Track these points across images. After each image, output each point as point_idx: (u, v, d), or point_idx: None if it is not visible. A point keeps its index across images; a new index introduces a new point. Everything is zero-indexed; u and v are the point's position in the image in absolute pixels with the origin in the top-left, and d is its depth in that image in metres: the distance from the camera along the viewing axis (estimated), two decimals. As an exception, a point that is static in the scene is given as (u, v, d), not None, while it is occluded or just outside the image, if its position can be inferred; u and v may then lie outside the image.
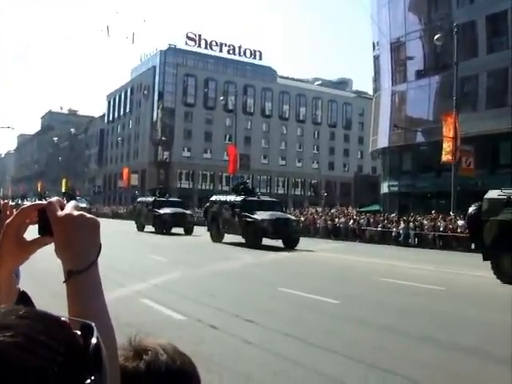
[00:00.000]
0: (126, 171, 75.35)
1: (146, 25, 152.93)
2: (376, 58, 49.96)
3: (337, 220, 37.12)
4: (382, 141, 47.20)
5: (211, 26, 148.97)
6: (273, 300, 10.67)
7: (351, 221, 35.93)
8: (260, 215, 25.24)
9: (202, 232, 31.65)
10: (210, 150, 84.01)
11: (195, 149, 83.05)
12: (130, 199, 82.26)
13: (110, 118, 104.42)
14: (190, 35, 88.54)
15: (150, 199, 35.70)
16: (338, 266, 18.33)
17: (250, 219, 25.36)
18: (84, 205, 51.10)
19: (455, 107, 30.98)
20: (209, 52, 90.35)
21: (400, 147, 45.08)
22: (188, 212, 36.69)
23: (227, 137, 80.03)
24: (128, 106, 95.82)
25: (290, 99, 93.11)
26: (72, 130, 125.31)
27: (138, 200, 37.70)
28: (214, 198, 31.28)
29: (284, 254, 21.97)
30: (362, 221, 35.24)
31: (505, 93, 37.66)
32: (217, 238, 27.92)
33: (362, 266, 18.55)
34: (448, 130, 31.31)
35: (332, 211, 42.81)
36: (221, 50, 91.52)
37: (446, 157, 31.57)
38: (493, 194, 15.11)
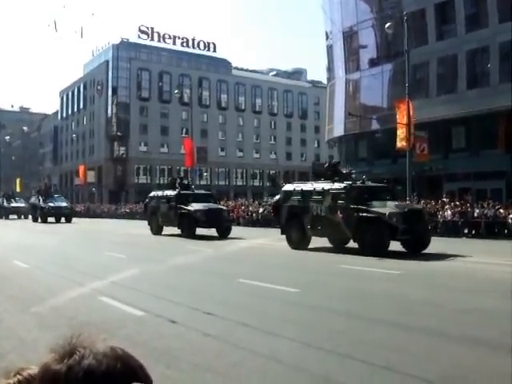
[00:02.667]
0: (82, 168, 74.05)
1: (95, 19, 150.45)
2: (329, 48, 50.26)
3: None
4: (338, 129, 47.62)
5: (164, 18, 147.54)
6: (232, 292, 10.68)
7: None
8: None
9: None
10: (167, 144, 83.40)
11: (152, 143, 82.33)
12: (87, 196, 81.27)
13: (64, 115, 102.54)
14: (142, 28, 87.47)
15: (171, 193, 28.95)
16: (297, 255, 18.43)
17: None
18: (64, 204, 49.40)
19: (408, 94, 31.40)
20: (162, 45, 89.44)
21: (355, 135, 45.58)
22: (225, 208, 31.22)
23: (184, 130, 79.51)
24: (82, 102, 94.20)
25: (246, 91, 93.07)
26: (24, 128, 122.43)
27: (152, 195, 31.03)
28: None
29: (241, 246, 22.04)
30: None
31: (455, 79, 38.42)
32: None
33: (321, 253, 18.69)
34: (402, 117, 31.71)
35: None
36: (174, 43, 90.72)
37: (400, 143, 31.97)
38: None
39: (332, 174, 21.10)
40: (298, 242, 19.83)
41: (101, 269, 14.15)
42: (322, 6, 50.63)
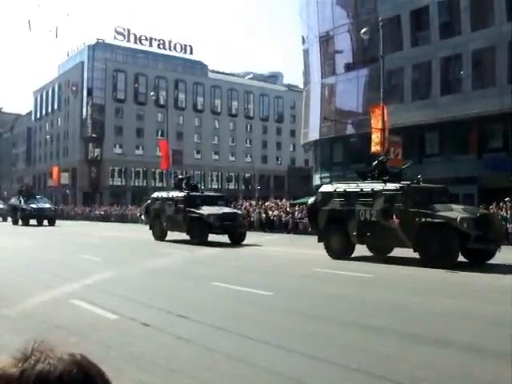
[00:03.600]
0: (55, 170, 73.15)
1: (71, 19, 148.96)
2: (305, 52, 50.51)
3: (270, 213, 37.44)
4: (313, 133, 47.85)
5: (140, 20, 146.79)
6: (206, 295, 10.66)
7: (284, 213, 36.34)
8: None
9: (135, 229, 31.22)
10: (142, 147, 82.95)
11: (127, 145, 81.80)
12: (61, 198, 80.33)
13: (38, 116, 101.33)
14: (118, 30, 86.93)
15: (178, 194, 26.00)
16: (271, 259, 18.48)
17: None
18: (48, 205, 46.49)
19: (382, 99, 31.70)
20: (138, 47, 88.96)
21: (331, 139, 45.85)
22: (240, 212, 28.89)
23: (159, 132, 79.21)
24: (56, 103, 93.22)
25: (222, 93, 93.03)
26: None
27: (156, 196, 28.19)
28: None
29: (217, 249, 21.97)
30: (295, 213, 35.67)
31: (429, 85, 38.91)
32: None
33: (295, 257, 18.77)
34: (376, 122, 31.99)
35: (266, 204, 43.08)
36: (151, 45, 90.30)
37: (375, 148, 32.24)
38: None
39: (380, 173, 18.26)
40: (340, 251, 17.42)
41: (72, 272, 14.02)
42: (299, 10, 50.91)
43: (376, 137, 31.65)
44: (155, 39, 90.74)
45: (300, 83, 65.35)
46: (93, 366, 0.91)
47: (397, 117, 34.71)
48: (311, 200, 20.24)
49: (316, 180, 48.36)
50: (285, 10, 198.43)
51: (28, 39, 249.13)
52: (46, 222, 43.80)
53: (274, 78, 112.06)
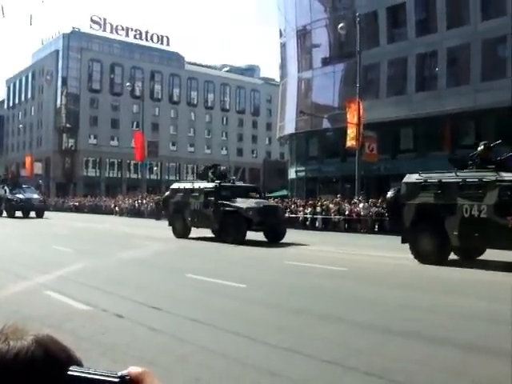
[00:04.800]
0: (28, 160, 72.26)
1: (45, 6, 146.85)
2: (283, 45, 50.60)
3: (246, 206, 37.44)
4: (289, 127, 48.00)
5: (117, 9, 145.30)
6: (180, 286, 10.67)
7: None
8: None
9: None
10: (117, 138, 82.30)
11: (102, 136, 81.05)
12: (35, 188, 79.17)
13: (11, 104, 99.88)
14: (94, 19, 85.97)
15: (207, 185, 22.64)
16: (245, 252, 18.53)
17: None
18: (35, 195, 42.99)
19: (358, 94, 31.92)
20: (115, 36, 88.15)
21: (307, 133, 46.05)
22: (280, 205, 26.53)
23: (134, 124, 78.72)
24: (30, 92, 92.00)
25: (198, 85, 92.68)
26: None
27: (176, 187, 24.54)
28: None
29: (191, 242, 21.96)
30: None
31: (404, 81, 39.28)
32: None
33: (268, 250, 18.84)
34: (352, 117, 32.24)
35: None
36: (127, 35, 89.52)
37: (350, 142, 32.51)
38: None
39: (483, 160, 14.90)
40: (433, 254, 14.44)
41: (46, 263, 13.91)
42: (277, 3, 50.91)
43: (351, 131, 31.90)
44: (132, 29, 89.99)
45: (277, 77, 65.40)
46: (56, 344, 0.91)
47: (372, 112, 34.99)
48: (391, 193, 16.56)
49: (291, 173, 48.56)
50: (263, 2, 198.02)
51: (1, 26, 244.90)
52: (33, 214, 40.49)
53: (251, 70, 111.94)
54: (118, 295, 9.51)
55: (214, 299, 9.40)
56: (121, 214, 49.71)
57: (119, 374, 0.85)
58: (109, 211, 51.53)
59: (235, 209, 20.72)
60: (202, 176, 25.23)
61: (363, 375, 5.26)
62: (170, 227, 23.84)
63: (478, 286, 11.15)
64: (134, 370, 0.85)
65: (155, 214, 42.86)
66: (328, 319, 7.86)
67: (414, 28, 38.34)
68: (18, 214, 40.21)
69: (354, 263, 15.07)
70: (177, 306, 8.53)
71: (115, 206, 52.09)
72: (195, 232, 23.11)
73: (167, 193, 25.57)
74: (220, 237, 21.52)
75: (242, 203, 20.90)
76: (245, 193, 22.62)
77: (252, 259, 16.31)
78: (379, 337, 6.82)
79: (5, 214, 41.20)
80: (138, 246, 19.24)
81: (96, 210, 54.05)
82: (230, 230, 20.74)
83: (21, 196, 41.05)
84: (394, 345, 6.45)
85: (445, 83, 36.58)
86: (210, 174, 23.86)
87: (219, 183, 22.29)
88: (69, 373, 0.85)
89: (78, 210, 55.93)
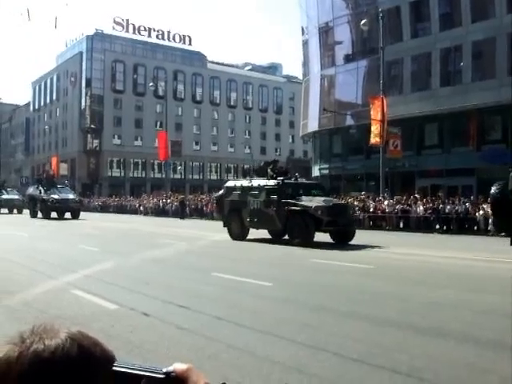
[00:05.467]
0: (54, 161, 73.16)
1: (69, 9, 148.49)
2: (305, 43, 50.45)
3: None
4: (312, 124, 47.85)
5: (139, 10, 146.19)
6: (206, 285, 10.70)
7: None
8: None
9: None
10: (141, 137, 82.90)
11: (126, 136, 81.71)
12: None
13: (36, 106, 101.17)
14: (117, 20, 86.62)
15: (268, 182, 21.02)
16: (270, 250, 18.51)
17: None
18: (71, 195, 41.54)
19: (382, 91, 31.71)
20: (137, 37, 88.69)
21: (330, 130, 45.88)
22: (349, 204, 25.49)
23: (158, 123, 79.17)
24: (55, 94, 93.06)
25: (221, 84, 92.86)
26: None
27: (232, 185, 23.03)
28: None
29: (216, 239, 21.98)
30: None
31: (428, 76, 38.89)
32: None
33: (294, 248, 18.80)
34: (376, 113, 32.04)
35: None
36: (149, 35, 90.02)
37: (374, 139, 32.32)
38: None
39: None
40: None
41: (73, 262, 14.06)
42: (299, 1, 50.76)
43: (375, 128, 31.72)
44: (154, 30, 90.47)
45: (299, 74, 65.29)
46: (89, 339, 0.93)
47: (396, 108, 34.74)
48: (496, 187, 14.47)
49: (315, 171, 48.42)
50: (285, 0, 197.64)
51: (27, 29, 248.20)
52: (68, 215, 39.27)
53: (274, 69, 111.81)
54: (145, 294, 9.58)
55: (239, 297, 9.42)
56: (145, 213, 50.09)
57: (164, 370, 0.85)
58: (133, 211, 51.94)
59: (303, 208, 19.13)
60: (259, 172, 23.33)
61: (390, 373, 5.23)
62: (226, 228, 22.29)
63: None
64: (179, 366, 0.85)
65: (180, 213, 43.09)
66: (352, 316, 7.82)
67: (438, 22, 37.93)
68: (54, 215, 39.15)
69: (380, 260, 14.96)
70: (203, 305, 8.56)
71: (140, 206, 52.51)
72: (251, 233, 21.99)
73: (221, 191, 24.10)
74: (276, 237, 20.94)
75: (308, 202, 19.43)
76: (309, 190, 20.98)
77: (278, 258, 16.27)
78: (404, 334, 6.77)
79: (40, 214, 40.04)
80: (163, 245, 19.35)
81: (121, 209, 54.52)
82: (296, 231, 19.22)
83: (56, 196, 39.80)
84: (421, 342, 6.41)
85: (470, 78, 36.15)
86: (269, 170, 22.06)
87: (282, 180, 20.72)
88: (114, 368, 0.86)
89: (103, 209, 56.46)
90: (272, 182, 20.74)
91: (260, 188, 20.95)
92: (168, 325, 7.20)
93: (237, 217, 21.60)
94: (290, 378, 5.15)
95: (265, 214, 20.35)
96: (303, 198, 19.73)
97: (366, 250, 17.75)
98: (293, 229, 19.45)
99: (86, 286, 10.29)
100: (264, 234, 21.99)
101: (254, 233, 22.18)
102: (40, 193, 40.67)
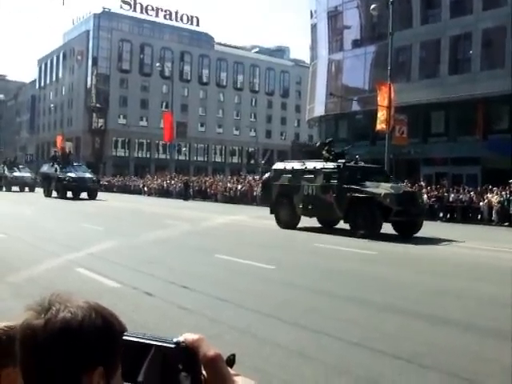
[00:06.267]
0: (59, 139, 72.62)
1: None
2: (313, 27, 50.05)
3: (274, 188, 37.34)
4: (319, 109, 47.63)
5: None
6: (209, 266, 10.73)
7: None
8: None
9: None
10: (147, 118, 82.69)
11: (131, 116, 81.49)
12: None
13: (42, 84, 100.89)
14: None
15: (326, 165, 18.75)
16: (274, 233, 18.53)
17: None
18: (88, 174, 39.35)
19: (390, 77, 31.48)
20: (144, 17, 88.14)
21: (336, 115, 45.66)
22: (419, 191, 23.56)
23: (164, 104, 78.85)
24: (61, 72, 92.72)
25: (228, 66, 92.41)
26: (1, 95, 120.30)
27: (281, 167, 20.66)
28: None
29: (220, 222, 21.99)
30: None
31: (437, 64, 38.59)
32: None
33: (297, 233, 18.82)
34: (382, 99, 31.81)
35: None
36: (157, 15, 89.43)
37: (380, 125, 32.12)
38: None
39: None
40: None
41: (77, 241, 14.12)
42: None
43: (382, 114, 31.51)
44: (161, 9, 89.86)
45: (307, 58, 64.98)
46: (107, 310, 0.98)
47: (403, 95, 34.49)
48: None
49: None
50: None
51: (33, 6, 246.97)
52: (84, 195, 37.21)
53: (281, 52, 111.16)
54: (148, 274, 9.62)
55: (242, 279, 9.45)
56: (149, 193, 50.14)
57: (175, 340, 0.85)
58: (137, 191, 51.98)
59: (369, 195, 16.92)
60: (314, 153, 21.15)
61: (392, 358, 5.25)
62: (272, 215, 20.15)
63: None
64: (189, 336, 0.86)
65: (183, 195, 43.12)
66: (354, 301, 7.84)
67: (449, 9, 37.55)
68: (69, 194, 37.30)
69: (383, 247, 14.97)
70: (206, 286, 8.60)
71: (144, 186, 52.55)
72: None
73: (267, 174, 21.93)
74: (327, 226, 19.22)
75: (375, 188, 17.21)
76: (370, 175, 18.62)
77: (281, 242, 16.27)
78: (403, 319, 6.79)
79: (54, 193, 38.06)
80: (167, 225, 19.38)
81: (125, 189, 54.56)
82: (361, 221, 17.01)
83: (73, 175, 37.60)
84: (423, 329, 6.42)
85: (479, 66, 35.86)
86: (324, 152, 19.57)
87: (344, 163, 18.42)
88: (124, 337, 0.87)
89: (107, 189, 56.42)
90: (331, 165, 18.46)
91: (316, 171, 18.68)
92: (170, 305, 7.24)
93: (287, 203, 19.39)
94: (291, 360, 5.17)
95: (322, 201, 18.14)
96: (367, 183, 17.49)
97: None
98: (356, 219, 17.22)
99: (90, 264, 10.34)
100: (313, 222, 20.03)
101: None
102: (56, 171, 38.40)
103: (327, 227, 19.56)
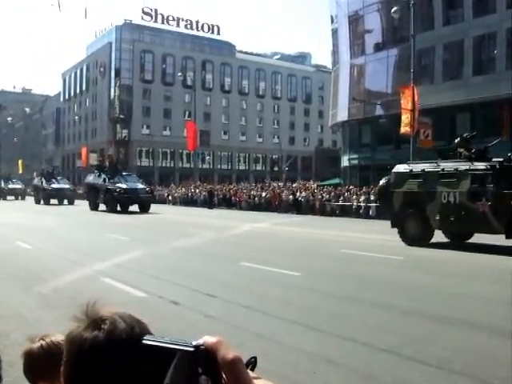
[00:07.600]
0: (84, 150, 73.96)
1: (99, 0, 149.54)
2: (334, 32, 49.94)
3: (298, 194, 37.30)
4: (342, 114, 47.45)
5: (167, 0, 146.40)
6: (234, 274, 10.71)
7: (311, 195, 36.21)
8: None
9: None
10: (170, 127, 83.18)
11: (154, 126, 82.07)
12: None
13: (66, 97, 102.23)
14: (145, 10, 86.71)
15: (473, 166, 15.32)
16: (299, 240, 18.46)
17: None
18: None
19: (413, 80, 31.25)
20: (166, 27, 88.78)
21: (359, 120, 45.42)
22: None
23: (186, 113, 79.31)
24: (84, 84, 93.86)
25: (249, 74, 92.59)
26: (27, 109, 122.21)
27: (403, 170, 17.52)
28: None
29: (245, 229, 21.99)
30: (323, 194, 35.49)
31: (460, 65, 38.20)
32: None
33: (322, 238, 18.72)
34: (406, 103, 31.58)
35: (293, 186, 43.06)
36: (178, 25, 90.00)
37: (404, 129, 31.88)
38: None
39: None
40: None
41: (104, 251, 14.22)
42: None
43: (406, 118, 31.27)
44: (182, 19, 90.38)
45: (328, 63, 64.78)
46: (133, 319, 0.95)
47: (427, 97, 34.20)
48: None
49: (344, 161, 48.07)
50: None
51: (57, 20, 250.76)
52: (133, 208, 33.36)
53: (302, 58, 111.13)
54: (174, 282, 9.63)
55: (267, 287, 9.40)
56: (174, 202, 50.40)
57: (194, 343, 0.85)
58: (162, 200, 52.26)
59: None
60: (450, 152, 17.51)
61: (420, 364, 5.16)
62: (395, 229, 16.75)
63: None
64: (208, 339, 0.86)
65: (208, 203, 43.24)
66: (380, 306, 7.74)
67: (471, 9, 37.15)
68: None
69: (409, 252, 14.79)
70: (231, 294, 8.58)
71: (168, 195, 52.86)
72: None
73: (384, 179, 18.48)
74: (458, 240, 16.21)
75: None
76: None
77: (306, 248, 16.18)
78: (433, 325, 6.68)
79: (102, 206, 34.93)
80: (192, 234, 19.42)
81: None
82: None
83: (123, 185, 33.81)
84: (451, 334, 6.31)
85: (504, 66, 35.38)
86: (462, 150, 16.59)
87: (501, 162, 14.95)
88: (143, 341, 0.87)
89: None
90: (482, 165, 15.02)
91: (460, 174, 15.32)
92: (196, 313, 7.22)
93: (416, 214, 16.13)
94: (318, 367, 5.11)
95: (470, 211, 14.71)
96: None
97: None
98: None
99: (116, 274, 10.38)
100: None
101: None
102: (104, 182, 35.05)
103: (458, 241, 16.41)
